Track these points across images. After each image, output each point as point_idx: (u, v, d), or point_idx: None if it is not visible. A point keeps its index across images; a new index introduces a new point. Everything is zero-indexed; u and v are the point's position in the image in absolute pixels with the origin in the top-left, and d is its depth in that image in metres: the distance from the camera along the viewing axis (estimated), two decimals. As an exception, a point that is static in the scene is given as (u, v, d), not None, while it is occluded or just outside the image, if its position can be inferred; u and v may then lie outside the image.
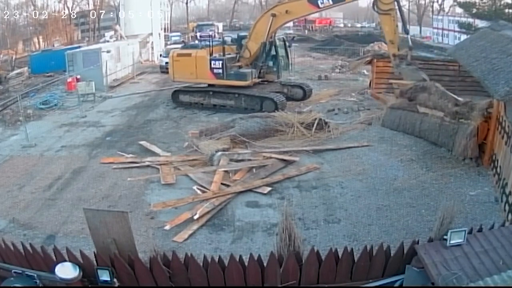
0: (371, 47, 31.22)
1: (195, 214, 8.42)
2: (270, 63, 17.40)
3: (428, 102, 12.48)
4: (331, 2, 14.64)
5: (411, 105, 13.05)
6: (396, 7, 14.75)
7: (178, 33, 43.68)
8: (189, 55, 17.49)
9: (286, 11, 15.36)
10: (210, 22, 52.06)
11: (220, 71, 16.72)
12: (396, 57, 14.80)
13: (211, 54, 17.09)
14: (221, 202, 9.04)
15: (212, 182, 9.92)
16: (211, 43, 17.38)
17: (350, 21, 61.89)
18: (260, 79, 17.17)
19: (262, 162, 11.11)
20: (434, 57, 23.31)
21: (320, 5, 14.78)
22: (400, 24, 15.26)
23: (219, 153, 11.30)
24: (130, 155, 12.21)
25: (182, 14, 66.60)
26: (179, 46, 23.30)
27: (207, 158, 11.29)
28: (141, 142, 13.22)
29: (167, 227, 8.13)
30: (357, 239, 7.57)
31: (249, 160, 11.29)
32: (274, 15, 15.48)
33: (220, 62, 16.74)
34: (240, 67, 17.03)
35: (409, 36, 14.94)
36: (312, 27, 56.75)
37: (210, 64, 16.88)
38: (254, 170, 10.71)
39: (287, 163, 11.11)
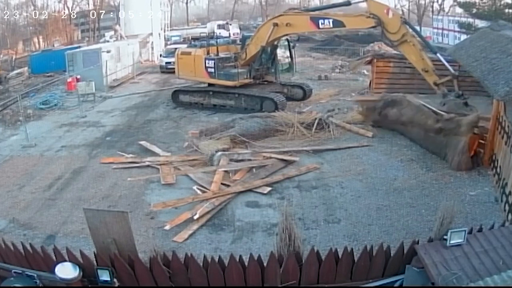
0: (371, 47, 31.15)
1: (195, 214, 8.41)
2: (269, 65, 17.36)
3: (401, 118, 12.11)
4: (331, 25, 14.45)
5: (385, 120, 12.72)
6: (411, 30, 13.23)
7: (179, 33, 43.66)
8: (189, 53, 17.88)
9: (287, 24, 15.24)
10: None
11: (212, 70, 17.00)
12: (439, 86, 12.65)
13: (208, 54, 17.22)
14: (221, 202, 9.03)
15: (212, 182, 9.92)
16: (207, 42, 17.54)
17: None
18: (251, 80, 17.10)
19: (262, 162, 11.11)
20: (434, 57, 23.26)
21: (320, 25, 14.55)
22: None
23: (219, 153, 11.30)
24: (130, 155, 12.21)
25: (182, 14, 66.55)
26: (178, 46, 23.35)
27: (207, 158, 11.29)
28: (141, 142, 13.21)
29: (167, 227, 8.12)
30: (357, 239, 7.57)
31: (249, 160, 11.28)
32: (276, 25, 15.47)
33: (212, 61, 16.98)
34: (236, 67, 17.08)
35: (445, 62, 12.77)
36: None
37: (205, 63, 17.12)
38: (254, 170, 10.71)
39: (287, 163, 11.10)
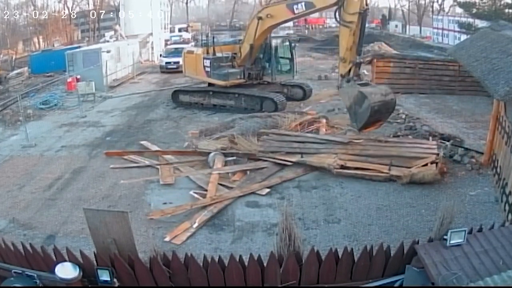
0: (371, 47, 31.13)
1: (194, 223, 8.24)
2: (267, 65, 17.34)
3: None
4: (304, 8, 14.45)
5: None
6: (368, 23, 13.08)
7: (179, 33, 43.77)
8: (192, 53, 18.18)
9: (268, 15, 15.26)
10: None
11: (209, 69, 17.16)
12: (344, 78, 12.36)
13: (207, 53, 17.32)
14: (219, 209, 8.79)
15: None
16: (207, 42, 17.62)
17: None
18: (244, 81, 17.07)
19: (258, 164, 10.98)
20: (434, 57, 23.29)
21: (295, 11, 14.57)
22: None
23: (213, 153, 11.20)
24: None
25: (182, 14, 66.63)
26: (178, 46, 23.38)
27: (207, 158, 11.26)
28: (142, 142, 13.21)
29: (167, 239, 7.81)
30: (357, 239, 7.57)
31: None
32: (260, 18, 15.51)
33: (209, 61, 17.12)
34: (233, 66, 17.11)
35: (359, 58, 12.51)
36: (312, 27, 56.80)
37: (203, 62, 17.32)
38: (248, 172, 10.57)
39: (285, 165, 10.98)
